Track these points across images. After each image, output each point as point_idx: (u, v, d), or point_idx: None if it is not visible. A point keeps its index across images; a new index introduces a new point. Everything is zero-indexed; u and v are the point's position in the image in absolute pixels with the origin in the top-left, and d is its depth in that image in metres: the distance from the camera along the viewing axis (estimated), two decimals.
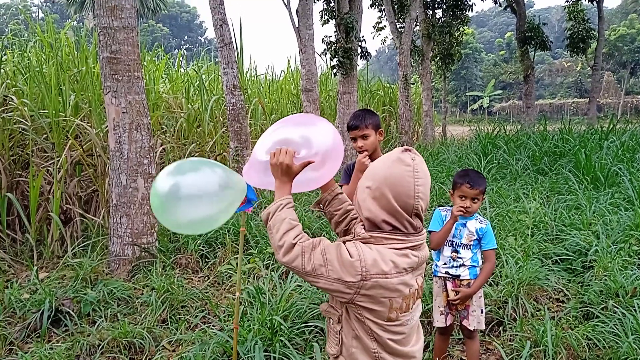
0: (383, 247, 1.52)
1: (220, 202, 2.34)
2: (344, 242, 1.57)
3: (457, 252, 3.06)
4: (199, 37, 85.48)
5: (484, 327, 3.14)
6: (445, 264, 3.09)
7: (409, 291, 1.55)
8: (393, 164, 1.53)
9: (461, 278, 3.05)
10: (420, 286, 1.62)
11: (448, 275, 3.07)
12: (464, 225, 3.06)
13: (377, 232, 1.55)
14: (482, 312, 3.08)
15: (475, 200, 2.99)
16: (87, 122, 6.53)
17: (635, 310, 3.42)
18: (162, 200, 2.23)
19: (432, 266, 3.22)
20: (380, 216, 1.54)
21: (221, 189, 2.33)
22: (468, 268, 3.04)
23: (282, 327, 3.41)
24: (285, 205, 1.62)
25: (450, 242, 3.08)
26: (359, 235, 1.58)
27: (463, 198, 2.99)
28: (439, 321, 3.14)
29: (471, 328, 3.06)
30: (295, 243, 1.53)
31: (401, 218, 1.54)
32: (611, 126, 11.48)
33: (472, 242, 3.03)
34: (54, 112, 6.11)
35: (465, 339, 3.19)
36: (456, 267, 3.06)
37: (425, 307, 3.83)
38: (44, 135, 6.31)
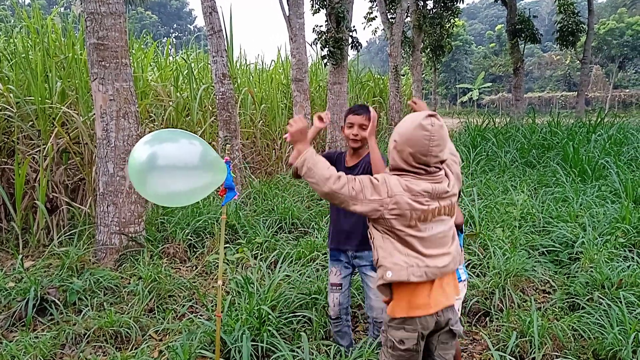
0: (402, 178, 2.00)
1: (200, 174, 2.34)
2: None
3: None
4: (188, 25, 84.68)
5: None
6: None
7: (427, 207, 1.98)
8: (415, 129, 1.94)
9: None
10: (444, 206, 2.05)
11: None
12: None
13: (398, 172, 2.03)
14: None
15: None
16: (74, 110, 6.43)
17: (620, 302, 3.46)
18: (140, 169, 2.22)
19: None
20: (401, 165, 2.01)
21: (201, 161, 2.33)
22: None
23: (270, 316, 3.40)
24: (312, 152, 2.04)
25: None
26: (386, 172, 2.11)
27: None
28: None
29: None
30: (341, 175, 1.97)
31: (416, 167, 1.99)
32: (599, 120, 11.57)
33: None
34: (40, 99, 6.02)
35: None
36: None
37: None
38: (30, 123, 6.22)
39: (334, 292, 3.22)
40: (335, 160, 3.19)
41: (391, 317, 2.08)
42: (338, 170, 3.02)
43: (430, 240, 2.01)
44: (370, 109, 3.04)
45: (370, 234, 2.11)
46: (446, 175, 2.08)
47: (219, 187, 2.65)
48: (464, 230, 3.17)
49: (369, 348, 3.08)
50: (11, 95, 6.13)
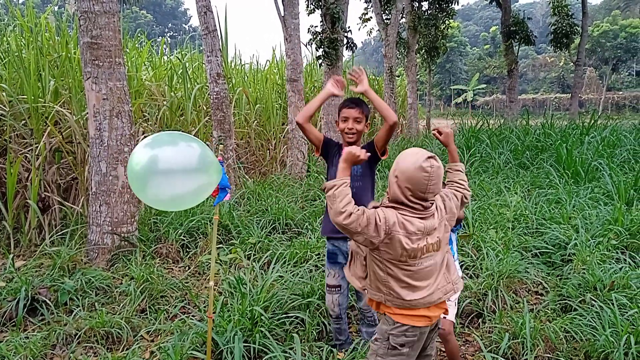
0: (399, 214, 2.20)
1: (199, 176, 2.33)
2: (376, 208, 2.24)
3: None
4: (183, 25, 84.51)
5: (453, 320, 3.02)
6: None
7: (417, 246, 2.19)
8: (416, 170, 2.14)
9: None
10: (431, 243, 2.24)
11: None
12: None
13: (395, 205, 2.23)
14: (455, 304, 3.03)
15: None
16: (67, 109, 6.40)
17: (612, 304, 3.47)
18: (141, 174, 2.21)
19: None
20: (400, 199, 2.20)
21: (199, 163, 2.32)
22: None
23: (262, 317, 3.39)
24: (346, 184, 2.25)
25: None
26: (385, 203, 2.27)
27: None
28: None
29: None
30: (353, 212, 2.16)
31: (414, 202, 2.19)
32: (592, 122, 11.62)
33: None
34: (32, 97, 5.98)
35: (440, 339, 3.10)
36: None
37: None
38: (23, 121, 6.18)
39: (334, 293, 3.25)
40: (336, 150, 3.24)
41: (392, 326, 2.29)
42: (333, 161, 3.21)
43: (418, 273, 2.24)
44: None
45: (365, 261, 2.35)
46: (436, 208, 2.30)
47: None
48: (457, 230, 3.20)
49: (361, 349, 3.09)
50: (4, 93, 6.10)
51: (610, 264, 4.26)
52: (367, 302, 2.42)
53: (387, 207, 2.26)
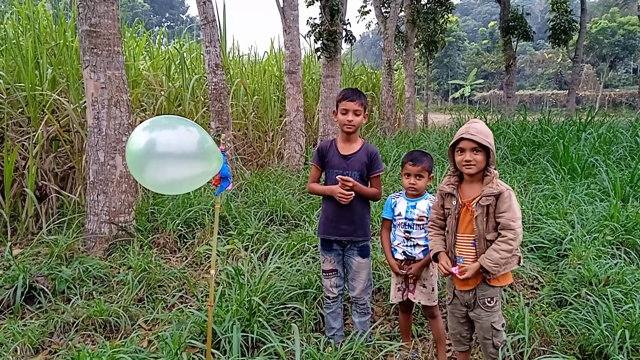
0: None
1: (197, 162, 2.34)
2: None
3: (409, 232, 3.15)
4: (181, 15, 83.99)
5: (434, 304, 3.20)
6: (399, 244, 3.20)
7: None
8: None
9: (416, 260, 3.16)
10: None
11: (404, 257, 3.18)
12: (414, 206, 3.15)
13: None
14: (433, 290, 3.17)
15: (419, 177, 3.11)
16: (65, 97, 6.38)
17: (607, 299, 3.49)
18: (139, 156, 2.21)
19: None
20: None
21: (199, 148, 2.32)
22: (422, 250, 3.14)
23: (260, 308, 3.40)
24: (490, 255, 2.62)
25: (403, 223, 3.17)
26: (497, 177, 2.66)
27: (408, 175, 3.12)
28: (396, 297, 3.26)
29: (415, 301, 3.19)
30: (513, 238, 2.56)
31: None
32: (589, 118, 11.63)
33: (424, 222, 3.10)
34: (30, 85, 5.95)
35: (428, 318, 3.32)
36: (410, 246, 3.16)
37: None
38: (20, 110, 6.15)
39: (330, 277, 3.32)
40: (328, 151, 3.29)
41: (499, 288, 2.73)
42: (332, 159, 3.24)
43: None
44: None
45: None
46: None
47: (213, 177, 2.65)
48: None
49: (357, 340, 3.11)
50: (1, 81, 6.06)
51: (605, 260, 4.28)
52: (493, 282, 2.66)
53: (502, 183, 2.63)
